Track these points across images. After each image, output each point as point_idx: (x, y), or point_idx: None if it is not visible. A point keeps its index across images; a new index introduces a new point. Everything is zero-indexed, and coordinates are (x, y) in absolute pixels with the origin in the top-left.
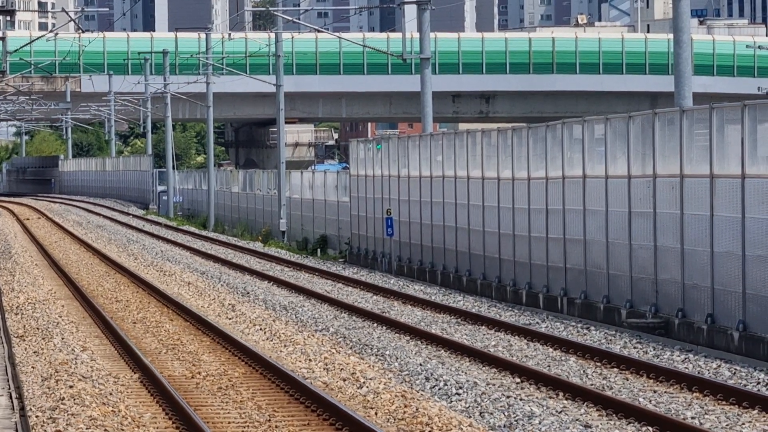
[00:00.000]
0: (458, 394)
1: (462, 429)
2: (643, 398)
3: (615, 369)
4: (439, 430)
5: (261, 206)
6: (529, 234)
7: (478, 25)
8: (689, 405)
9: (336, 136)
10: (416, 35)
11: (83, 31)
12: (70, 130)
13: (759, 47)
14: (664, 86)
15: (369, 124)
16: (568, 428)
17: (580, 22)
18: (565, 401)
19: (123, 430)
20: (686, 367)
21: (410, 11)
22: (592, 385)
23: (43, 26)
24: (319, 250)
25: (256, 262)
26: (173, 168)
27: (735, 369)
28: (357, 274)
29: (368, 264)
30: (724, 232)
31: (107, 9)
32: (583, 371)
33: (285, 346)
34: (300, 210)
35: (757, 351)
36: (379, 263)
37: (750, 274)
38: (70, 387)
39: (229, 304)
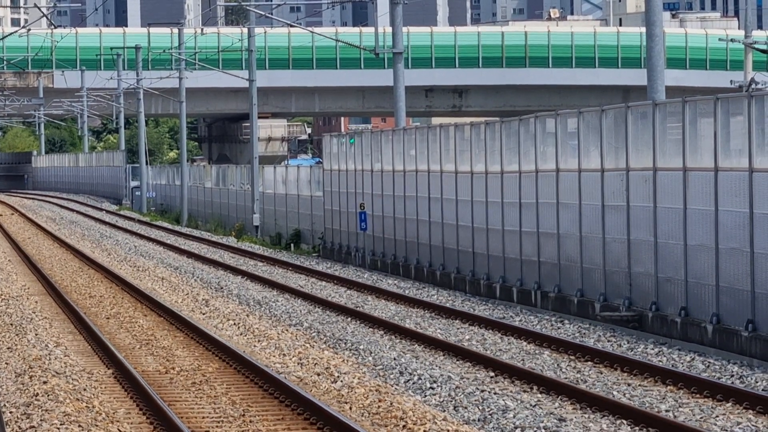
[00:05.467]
0: (432, 389)
1: (436, 423)
2: (617, 391)
3: (589, 362)
4: (414, 424)
5: (234, 201)
6: (503, 228)
7: (450, 20)
8: (663, 398)
9: (309, 130)
10: (389, 30)
11: (55, 27)
12: (42, 125)
13: (731, 40)
14: (637, 80)
15: (342, 118)
16: (542, 422)
17: (552, 16)
18: (539, 395)
19: (97, 425)
20: (660, 360)
21: (383, 5)
22: (566, 378)
23: (15, 22)
24: (292, 245)
25: (230, 257)
26: (146, 163)
27: (709, 362)
28: (331, 269)
29: (342, 258)
30: (697, 225)
31: (79, 4)
32: (557, 365)
33: (259, 341)
34: (273, 205)
35: (730, 344)
36: (352, 258)
37: (723, 266)
38: (44, 383)
39: (203, 299)
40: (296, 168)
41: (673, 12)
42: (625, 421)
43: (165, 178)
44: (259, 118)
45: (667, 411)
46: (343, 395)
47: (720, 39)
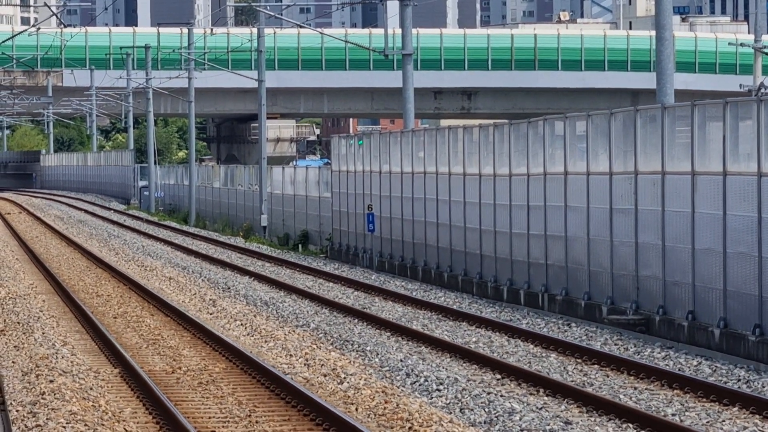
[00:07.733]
0: (439, 390)
1: (442, 425)
2: (624, 395)
3: (596, 366)
4: (420, 425)
5: (242, 201)
6: (511, 230)
7: (460, 22)
8: (670, 402)
9: (317, 131)
10: (398, 31)
11: (65, 26)
12: (51, 124)
13: (741, 44)
14: (646, 83)
15: (351, 119)
16: (548, 424)
17: (562, 18)
18: (545, 398)
19: (103, 424)
20: (667, 364)
21: (392, 7)
22: (572, 381)
23: (25, 21)
24: (300, 246)
25: (238, 258)
26: (155, 163)
27: (716, 366)
28: (338, 270)
29: (349, 260)
30: (705, 229)
31: (89, 3)
32: (564, 368)
33: (266, 341)
34: (281, 205)
35: (737, 348)
36: (360, 259)
37: (731, 271)
38: (51, 382)
39: (210, 300)
40: (304, 169)
41: (683, 16)
42: (631, 425)
43: (173, 177)
44: (267, 118)
45: (673, 415)
46: (349, 396)
47: (729, 43)
